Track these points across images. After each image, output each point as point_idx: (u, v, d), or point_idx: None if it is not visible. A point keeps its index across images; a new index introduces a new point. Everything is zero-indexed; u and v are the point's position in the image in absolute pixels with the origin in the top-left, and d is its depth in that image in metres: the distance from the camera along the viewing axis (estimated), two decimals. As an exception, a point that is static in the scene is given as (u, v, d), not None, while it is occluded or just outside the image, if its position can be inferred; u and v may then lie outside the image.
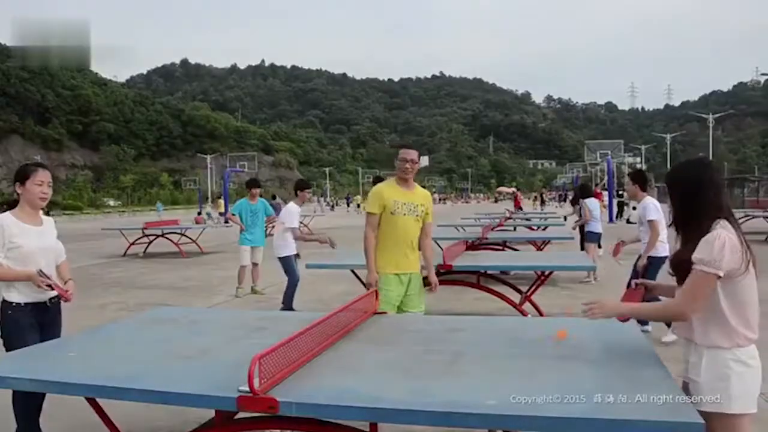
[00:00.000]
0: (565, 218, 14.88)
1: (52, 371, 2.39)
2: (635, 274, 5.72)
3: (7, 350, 3.04)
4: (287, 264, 7.28)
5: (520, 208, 24.55)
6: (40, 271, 3.08)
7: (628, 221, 23.48)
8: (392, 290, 4.01)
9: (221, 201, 34.89)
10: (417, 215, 4.10)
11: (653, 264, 5.69)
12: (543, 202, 43.25)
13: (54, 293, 3.24)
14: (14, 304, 3.12)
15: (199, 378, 2.23)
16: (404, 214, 4.04)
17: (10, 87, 76.81)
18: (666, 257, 5.66)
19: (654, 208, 5.76)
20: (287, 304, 7.12)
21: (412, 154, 4.07)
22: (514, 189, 43.07)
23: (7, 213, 3.20)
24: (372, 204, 4.09)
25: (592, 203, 9.83)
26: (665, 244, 5.72)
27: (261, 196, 9.17)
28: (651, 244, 5.71)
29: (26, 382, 2.34)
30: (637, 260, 5.83)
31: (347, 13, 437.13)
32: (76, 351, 2.72)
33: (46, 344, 2.91)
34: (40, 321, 3.18)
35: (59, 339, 3.09)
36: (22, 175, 3.19)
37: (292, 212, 7.33)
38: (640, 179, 6.03)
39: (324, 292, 7.97)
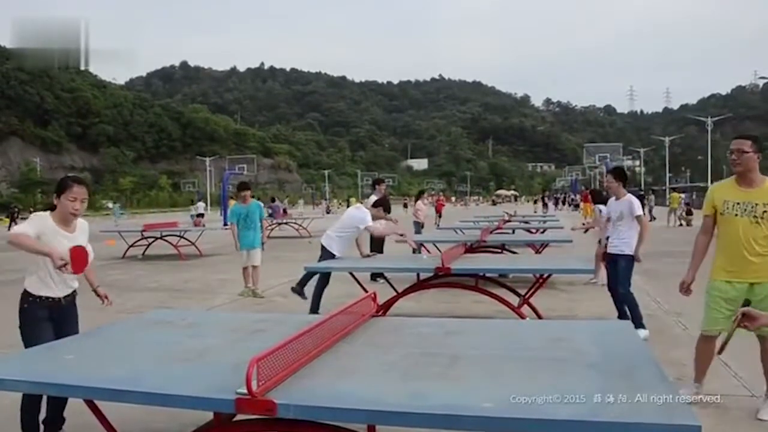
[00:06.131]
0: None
1: (50, 373, 2.39)
2: (615, 276, 5.71)
3: (23, 341, 3.19)
4: (326, 257, 7.15)
5: (440, 215, 22.65)
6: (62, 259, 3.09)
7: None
8: (721, 297, 3.65)
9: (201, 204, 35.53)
10: (755, 215, 3.56)
11: (628, 263, 5.66)
12: (545, 206, 43.16)
13: (69, 291, 3.40)
14: (30, 297, 3.25)
15: (197, 380, 2.24)
16: (736, 215, 3.60)
17: (10, 89, 76.77)
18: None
19: (639, 205, 5.77)
20: (313, 306, 7.00)
21: (739, 143, 3.58)
22: (514, 192, 42.92)
23: (48, 213, 3.38)
24: (705, 206, 3.80)
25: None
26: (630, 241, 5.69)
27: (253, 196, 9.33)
28: (643, 238, 5.67)
29: (25, 384, 2.35)
30: (613, 260, 5.79)
31: (346, 16, 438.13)
32: (74, 353, 2.72)
33: (44, 346, 2.90)
34: (53, 317, 3.30)
35: (58, 341, 3.09)
36: (58, 188, 3.36)
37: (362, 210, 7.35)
38: (622, 177, 6.03)
39: (323, 295, 7.92)
